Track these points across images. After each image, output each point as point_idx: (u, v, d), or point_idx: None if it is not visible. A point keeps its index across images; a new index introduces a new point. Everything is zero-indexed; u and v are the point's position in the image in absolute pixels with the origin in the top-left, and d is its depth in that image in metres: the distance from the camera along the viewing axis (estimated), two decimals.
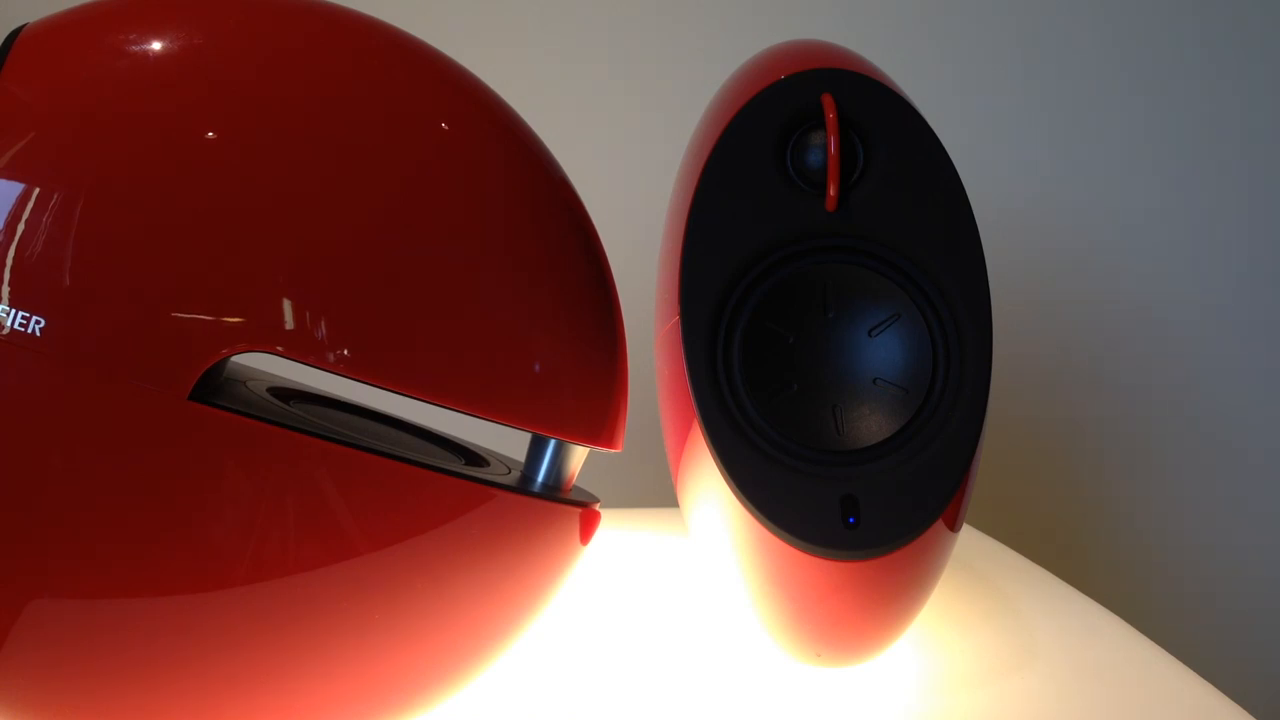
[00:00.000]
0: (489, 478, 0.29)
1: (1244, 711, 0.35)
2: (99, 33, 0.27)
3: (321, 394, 0.35)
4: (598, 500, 0.32)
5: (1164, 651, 0.40)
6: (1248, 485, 0.73)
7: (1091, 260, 0.71)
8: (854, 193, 0.35)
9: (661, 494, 0.51)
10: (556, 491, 0.31)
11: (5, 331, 0.24)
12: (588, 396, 0.30)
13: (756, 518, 0.33)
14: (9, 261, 0.24)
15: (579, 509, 0.30)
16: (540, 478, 0.31)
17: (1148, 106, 0.71)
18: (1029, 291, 0.70)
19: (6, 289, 0.24)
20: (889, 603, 0.35)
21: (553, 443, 0.30)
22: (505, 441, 0.34)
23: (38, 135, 0.25)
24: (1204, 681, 0.38)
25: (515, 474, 0.31)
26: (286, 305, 0.25)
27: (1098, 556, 0.73)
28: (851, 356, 0.35)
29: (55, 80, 0.26)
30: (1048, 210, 0.71)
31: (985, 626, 0.42)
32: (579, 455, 0.31)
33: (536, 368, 0.29)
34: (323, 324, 0.25)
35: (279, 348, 0.25)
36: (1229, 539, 0.73)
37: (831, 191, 0.34)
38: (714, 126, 0.36)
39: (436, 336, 0.27)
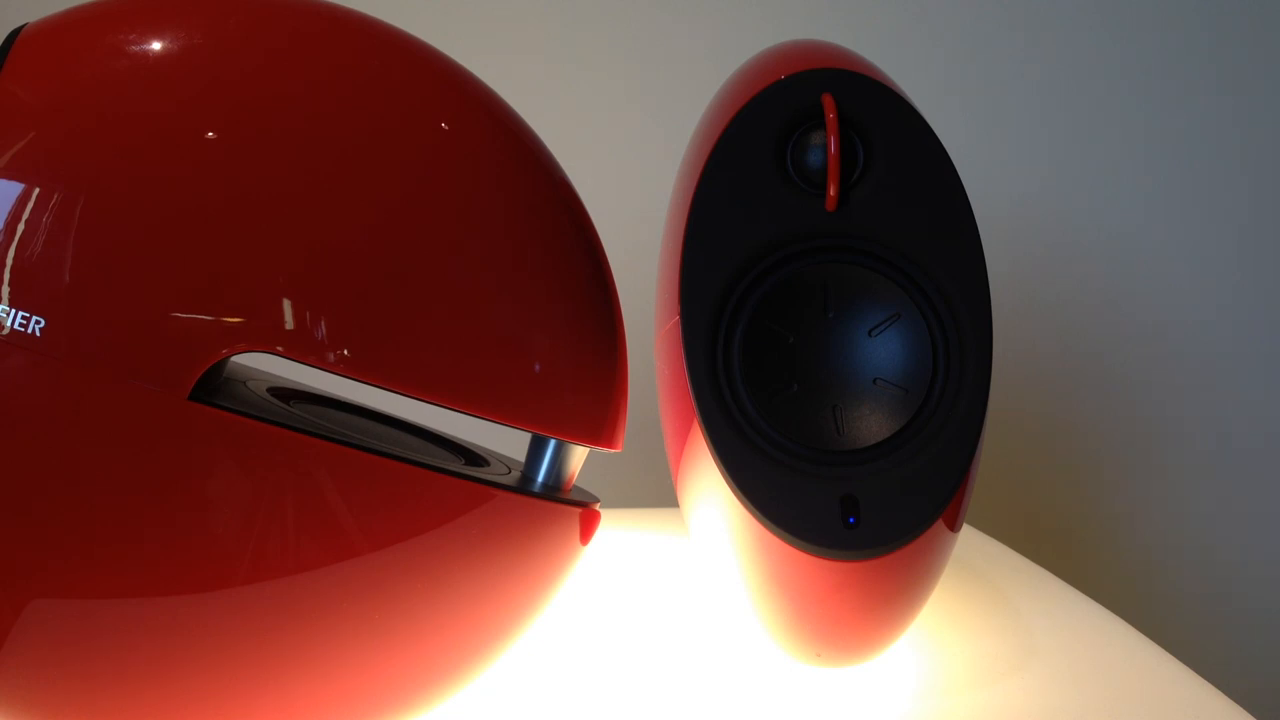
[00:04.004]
0: (489, 478, 0.29)
1: (1244, 711, 0.35)
2: (99, 33, 0.27)
3: (321, 394, 0.35)
4: (598, 500, 0.32)
5: (1164, 651, 0.40)
6: (1248, 485, 0.73)
7: (1092, 260, 0.71)
8: (854, 193, 0.35)
9: (661, 494, 0.51)
10: (557, 491, 0.31)
11: (5, 331, 0.24)
12: (588, 396, 0.30)
13: (756, 518, 0.33)
14: (9, 261, 0.24)
15: (579, 509, 0.30)
16: (540, 478, 0.31)
17: (1148, 106, 0.71)
18: (1029, 291, 0.70)
19: (6, 289, 0.24)
20: (889, 603, 0.35)
21: (553, 443, 0.30)
22: (505, 441, 0.34)
23: (38, 135, 0.25)
24: (1204, 681, 0.38)
25: (515, 474, 0.31)
26: (286, 305, 0.25)
27: (1098, 556, 0.73)
28: (851, 356, 0.35)
29: (55, 80, 0.26)
30: (1048, 210, 0.71)
31: (985, 626, 0.42)
32: (579, 455, 0.31)
33: (536, 368, 0.29)
34: (322, 324, 0.25)
35: (279, 348, 0.25)
36: (1229, 539, 0.73)
37: (831, 191, 0.34)
38: (714, 126, 0.36)
39: (436, 336, 0.27)
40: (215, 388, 0.26)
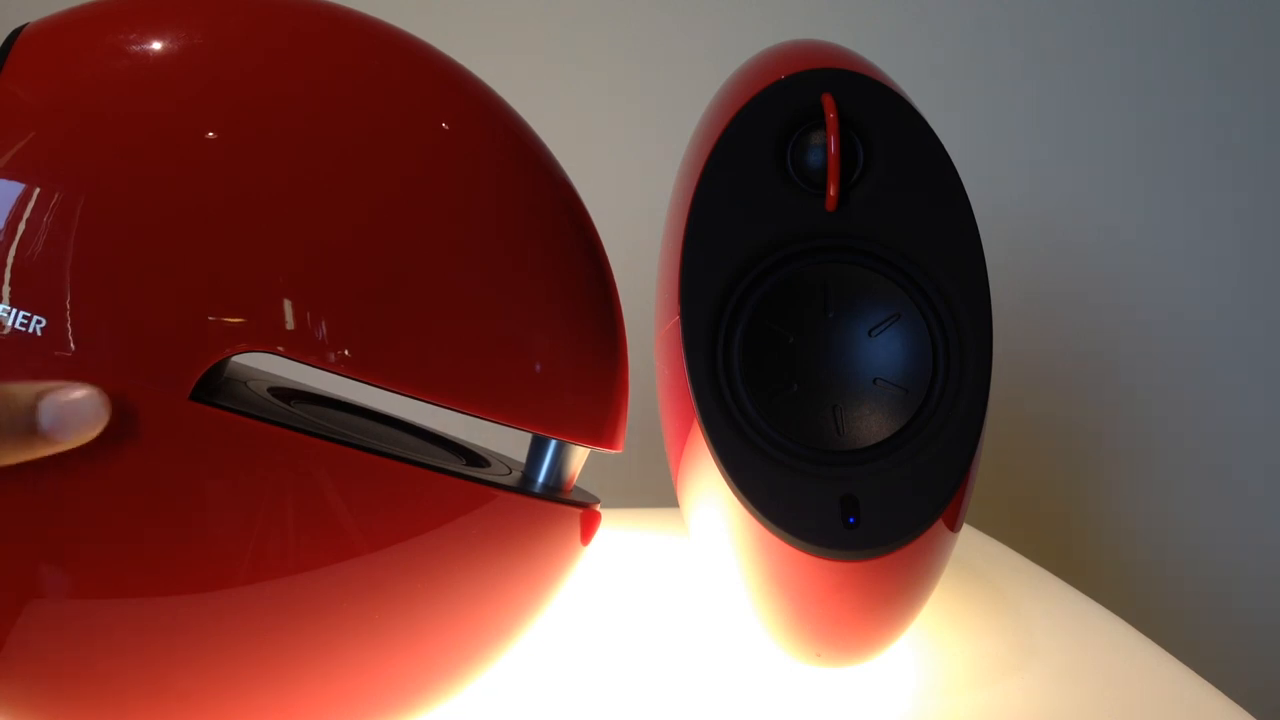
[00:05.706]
0: (490, 478, 0.29)
1: (1244, 711, 0.35)
2: (99, 33, 0.27)
3: (321, 394, 0.35)
4: (598, 500, 0.32)
5: (1163, 651, 0.40)
6: (1248, 484, 0.73)
7: (1092, 260, 0.71)
8: (854, 193, 0.35)
9: (661, 494, 0.51)
10: (557, 492, 0.31)
11: (6, 331, 0.24)
12: (588, 397, 0.30)
13: (756, 518, 0.33)
14: (9, 261, 0.24)
15: (580, 509, 0.30)
16: (541, 478, 0.31)
17: (1148, 106, 0.71)
18: (1029, 291, 0.70)
19: (7, 289, 0.24)
20: (889, 603, 0.35)
21: (553, 443, 0.30)
22: (505, 441, 0.34)
23: (38, 135, 0.25)
24: (1204, 681, 0.38)
25: (516, 474, 0.31)
26: (287, 305, 0.25)
27: (1098, 556, 0.73)
28: (851, 356, 0.35)
29: (56, 80, 0.26)
30: (1048, 210, 0.71)
31: (985, 626, 0.42)
32: (580, 456, 0.31)
33: (537, 368, 0.29)
34: (323, 324, 0.25)
35: (280, 348, 0.25)
36: (1229, 538, 0.73)
37: (831, 191, 0.34)
38: (714, 126, 0.36)
39: (437, 337, 0.27)
40: (216, 388, 0.26)
